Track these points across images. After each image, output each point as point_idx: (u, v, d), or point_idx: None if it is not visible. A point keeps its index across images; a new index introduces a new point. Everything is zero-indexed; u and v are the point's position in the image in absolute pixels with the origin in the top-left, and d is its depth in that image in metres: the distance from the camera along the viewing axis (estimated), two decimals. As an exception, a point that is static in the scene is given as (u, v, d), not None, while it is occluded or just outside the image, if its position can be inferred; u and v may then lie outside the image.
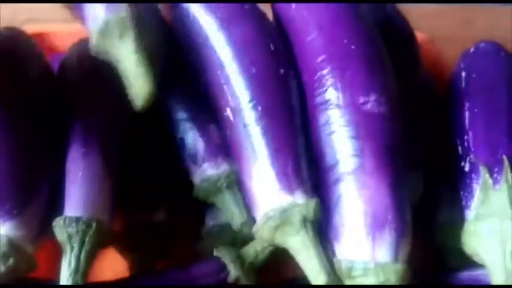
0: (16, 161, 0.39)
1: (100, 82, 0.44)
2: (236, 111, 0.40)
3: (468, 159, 0.43)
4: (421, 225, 0.43)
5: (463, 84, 0.48)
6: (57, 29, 0.57)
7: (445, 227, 0.45)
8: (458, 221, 0.43)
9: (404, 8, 0.53)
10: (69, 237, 0.38)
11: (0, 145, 0.39)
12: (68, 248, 0.38)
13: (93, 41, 0.38)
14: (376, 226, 0.36)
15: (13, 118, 0.40)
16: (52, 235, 0.39)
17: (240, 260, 0.39)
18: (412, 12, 0.53)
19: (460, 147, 0.44)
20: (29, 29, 0.51)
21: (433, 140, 0.47)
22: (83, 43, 0.47)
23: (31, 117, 0.41)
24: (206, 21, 0.42)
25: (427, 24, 0.64)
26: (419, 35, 0.57)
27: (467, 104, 0.46)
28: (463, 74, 0.49)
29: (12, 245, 0.37)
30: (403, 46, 0.50)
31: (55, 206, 0.40)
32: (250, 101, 0.40)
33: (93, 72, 0.44)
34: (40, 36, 0.55)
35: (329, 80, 0.40)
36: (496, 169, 0.41)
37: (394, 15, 0.52)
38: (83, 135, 0.41)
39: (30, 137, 0.41)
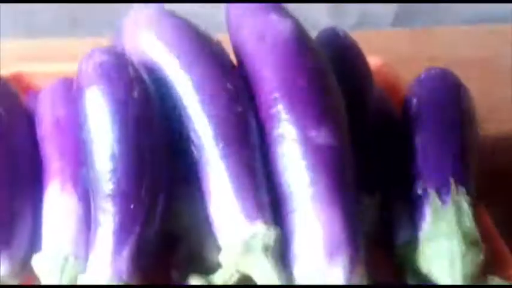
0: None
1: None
2: (199, 149, 0.43)
3: (420, 183, 0.46)
4: (383, 244, 0.47)
5: (415, 110, 0.51)
6: (34, 69, 0.61)
7: (403, 248, 0.47)
8: (413, 242, 0.46)
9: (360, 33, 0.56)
10: (49, 271, 0.40)
11: None
12: (47, 282, 0.40)
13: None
14: (329, 255, 0.39)
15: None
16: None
17: (211, 286, 0.42)
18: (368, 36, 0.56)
19: (413, 172, 0.47)
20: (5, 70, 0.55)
21: (391, 164, 0.50)
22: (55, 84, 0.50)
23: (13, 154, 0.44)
24: (166, 64, 0.45)
25: (382, 48, 0.68)
26: (376, 60, 0.60)
27: (418, 130, 0.49)
28: (414, 100, 0.52)
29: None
30: (355, 73, 0.53)
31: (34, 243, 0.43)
32: (212, 139, 0.42)
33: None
34: (18, 76, 0.59)
35: (283, 115, 0.42)
36: (444, 191, 0.44)
37: (345, 43, 0.55)
38: (60, 170, 0.44)
39: (12, 179, 0.43)
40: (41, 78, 0.59)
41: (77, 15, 0.77)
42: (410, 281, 0.46)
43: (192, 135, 0.43)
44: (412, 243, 0.46)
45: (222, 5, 0.51)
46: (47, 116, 0.47)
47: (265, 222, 0.41)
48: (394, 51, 0.75)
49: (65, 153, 0.45)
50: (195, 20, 0.48)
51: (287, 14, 0.48)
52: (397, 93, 0.59)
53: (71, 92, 0.48)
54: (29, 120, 0.49)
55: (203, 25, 0.48)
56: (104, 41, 0.57)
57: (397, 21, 0.83)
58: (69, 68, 0.58)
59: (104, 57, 0.43)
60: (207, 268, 0.45)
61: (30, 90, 0.58)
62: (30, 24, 0.77)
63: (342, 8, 0.81)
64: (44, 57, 0.72)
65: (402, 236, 0.48)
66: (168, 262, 0.46)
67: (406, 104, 0.53)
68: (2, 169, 0.43)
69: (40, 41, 0.74)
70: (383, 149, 0.50)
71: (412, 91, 0.54)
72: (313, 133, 0.42)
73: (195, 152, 0.43)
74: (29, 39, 0.75)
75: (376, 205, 0.47)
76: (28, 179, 0.45)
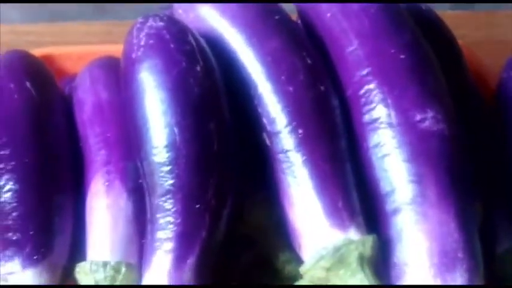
0: (35, 193, 0.36)
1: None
2: (273, 136, 0.35)
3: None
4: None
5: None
6: (64, 51, 0.55)
7: (504, 256, 0.40)
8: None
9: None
10: (97, 284, 0.34)
11: (20, 175, 0.36)
12: (95, 297, 0.33)
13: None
14: (445, 266, 0.32)
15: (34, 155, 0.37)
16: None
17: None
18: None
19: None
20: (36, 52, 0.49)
21: (489, 159, 0.42)
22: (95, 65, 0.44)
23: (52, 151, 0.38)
24: (231, 37, 0.38)
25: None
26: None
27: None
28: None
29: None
30: (447, 53, 0.45)
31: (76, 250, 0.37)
32: (288, 124, 0.35)
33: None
34: (48, 58, 0.52)
35: (377, 96, 0.35)
36: None
37: (432, 19, 0.48)
38: (106, 163, 0.37)
39: (49, 167, 0.37)
40: (74, 60, 0.53)
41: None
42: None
43: (264, 120, 0.36)
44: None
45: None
46: (88, 99, 0.41)
47: (359, 228, 0.33)
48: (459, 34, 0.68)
49: (110, 143, 0.38)
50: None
51: None
52: (481, 78, 0.52)
53: (114, 72, 0.41)
54: (65, 104, 0.42)
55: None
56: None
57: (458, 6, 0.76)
58: (105, 49, 0.52)
59: (160, 25, 0.35)
60: (273, 276, 0.39)
61: (63, 74, 0.52)
62: (55, 11, 0.70)
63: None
64: (70, 41, 0.66)
65: (503, 244, 0.41)
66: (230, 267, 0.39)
67: (501, 88, 0.45)
68: (37, 163, 0.37)
69: (66, 26, 0.67)
70: (481, 144, 0.42)
71: (507, 74, 0.46)
72: (417, 117, 0.34)
73: (267, 141, 0.36)
74: (55, 23, 0.68)
75: (480, 211, 0.39)
76: (67, 171, 0.38)
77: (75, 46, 0.57)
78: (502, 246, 0.41)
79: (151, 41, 0.35)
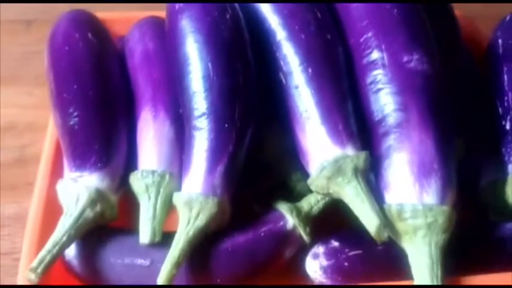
0: (98, 118, 0.43)
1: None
2: (288, 75, 0.43)
3: (508, 118, 0.46)
4: (464, 187, 0.46)
5: (500, 51, 0.50)
6: (114, 16, 0.61)
7: (488, 187, 0.47)
8: (500, 179, 0.45)
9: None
10: (146, 188, 0.41)
11: (85, 104, 0.43)
12: (145, 197, 0.41)
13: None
14: (422, 174, 0.39)
15: (96, 89, 0.45)
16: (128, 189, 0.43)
17: (296, 210, 0.42)
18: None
19: (500, 108, 0.47)
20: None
21: (473, 104, 0.49)
22: (143, 22, 0.52)
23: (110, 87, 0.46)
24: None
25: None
26: (456, 12, 0.59)
27: (505, 68, 0.48)
28: (500, 41, 0.51)
29: (99, 194, 0.41)
30: (444, 20, 0.52)
31: (130, 162, 0.44)
32: (300, 64, 0.43)
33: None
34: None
35: (374, 42, 0.42)
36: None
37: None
38: (153, 98, 0.45)
39: (108, 99, 0.45)
40: (123, 24, 0.60)
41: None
42: (494, 218, 0.46)
43: (281, 62, 0.44)
44: (498, 181, 0.46)
45: None
46: (137, 48, 0.49)
47: (355, 146, 0.41)
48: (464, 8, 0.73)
49: (155, 82, 0.46)
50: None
51: None
52: (477, 45, 0.58)
53: (158, 27, 0.49)
54: (119, 53, 0.50)
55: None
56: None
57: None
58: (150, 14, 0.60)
59: None
60: (288, 195, 0.46)
61: (114, 36, 0.59)
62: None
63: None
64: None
65: (487, 176, 0.47)
66: (252, 192, 0.46)
67: (491, 45, 0.52)
68: (99, 95, 0.44)
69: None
70: (467, 92, 0.49)
71: (496, 33, 0.53)
72: (405, 58, 0.41)
73: (283, 79, 0.43)
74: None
75: (462, 147, 0.46)
76: (122, 104, 0.46)
77: (124, 12, 0.64)
78: (484, 179, 0.47)
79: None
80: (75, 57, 0.46)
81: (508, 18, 0.53)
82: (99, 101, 0.44)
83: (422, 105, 0.41)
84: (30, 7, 0.74)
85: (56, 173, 0.45)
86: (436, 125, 0.40)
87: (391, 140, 0.41)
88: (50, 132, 0.47)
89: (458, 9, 0.58)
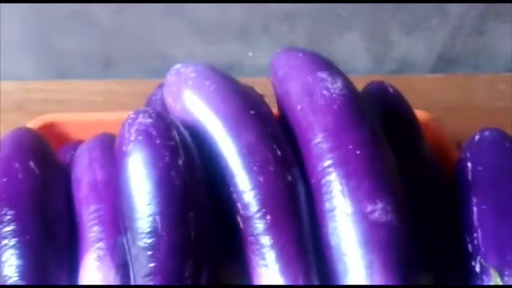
0: (36, 277, 0.40)
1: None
2: (246, 220, 0.40)
3: (478, 258, 0.43)
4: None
5: (470, 177, 0.48)
6: (67, 119, 0.60)
7: None
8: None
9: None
10: None
11: (22, 261, 0.40)
12: None
13: None
14: None
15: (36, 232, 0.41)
16: None
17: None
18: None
19: (469, 245, 0.44)
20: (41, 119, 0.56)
21: (442, 236, 0.47)
22: (94, 144, 0.49)
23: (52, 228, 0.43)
24: (212, 128, 0.43)
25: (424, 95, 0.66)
26: (422, 114, 0.58)
27: (474, 200, 0.46)
28: (469, 165, 0.49)
29: None
30: (405, 129, 0.51)
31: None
32: (258, 211, 0.40)
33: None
34: (52, 124, 0.58)
35: (336, 186, 0.40)
36: (506, 272, 0.41)
37: (395, 99, 0.53)
38: (94, 246, 0.42)
39: (48, 242, 0.42)
40: (75, 127, 0.58)
41: (109, 58, 0.76)
42: None
43: (239, 205, 0.41)
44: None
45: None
46: (84, 178, 0.45)
47: (316, 304, 0.38)
48: (436, 98, 0.73)
49: (103, 221, 0.43)
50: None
51: (337, 71, 0.46)
52: (444, 150, 0.57)
53: (110, 150, 0.46)
54: (65, 180, 0.47)
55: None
56: (137, 85, 0.56)
57: (437, 69, 0.81)
58: (104, 117, 0.58)
59: (148, 122, 0.40)
60: None
61: (64, 140, 0.57)
62: (61, 67, 0.76)
63: (382, 53, 0.79)
64: (75, 99, 0.71)
65: None
66: None
67: (459, 168, 0.50)
68: (37, 235, 0.41)
69: (70, 84, 0.73)
70: (435, 218, 0.47)
71: (465, 154, 0.51)
72: (368, 208, 0.39)
73: (240, 223, 0.41)
74: (60, 80, 0.74)
75: (430, 283, 0.44)
76: (65, 246, 0.43)
77: (77, 113, 0.62)
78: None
79: (139, 137, 0.40)
80: (12, 193, 0.42)
81: (476, 138, 0.51)
82: (38, 248, 0.40)
83: (386, 261, 0.38)
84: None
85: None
86: (402, 282, 0.38)
87: (354, 300, 0.38)
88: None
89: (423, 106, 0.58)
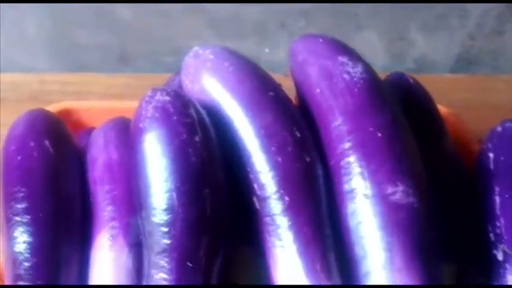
0: (48, 243, 0.40)
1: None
2: (262, 201, 0.39)
3: (501, 247, 0.42)
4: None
5: (492, 167, 0.47)
6: (83, 106, 0.59)
7: None
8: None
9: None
10: None
11: (35, 227, 0.40)
12: None
13: None
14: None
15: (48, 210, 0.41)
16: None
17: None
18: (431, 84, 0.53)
19: (491, 234, 0.43)
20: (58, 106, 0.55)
21: (465, 227, 0.45)
22: (109, 126, 0.48)
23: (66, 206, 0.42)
24: (230, 109, 0.42)
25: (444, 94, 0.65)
26: (442, 109, 0.57)
27: (497, 189, 0.45)
28: (491, 155, 0.48)
29: None
30: (428, 122, 0.49)
31: None
32: (276, 192, 0.39)
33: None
34: (67, 112, 0.57)
35: (355, 168, 0.39)
36: (530, 257, 0.40)
37: (416, 90, 0.52)
38: (108, 225, 0.41)
39: (61, 220, 0.41)
40: (91, 115, 0.58)
41: (126, 53, 0.76)
42: None
43: (255, 185, 0.40)
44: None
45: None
46: (100, 158, 0.45)
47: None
48: (455, 97, 0.72)
49: (116, 200, 0.42)
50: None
51: (357, 57, 0.45)
52: (465, 144, 0.55)
53: (125, 133, 0.45)
54: (79, 161, 0.46)
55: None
56: (153, 79, 0.55)
57: (456, 68, 0.80)
58: (119, 105, 0.57)
59: (166, 99, 0.40)
60: None
61: (80, 128, 0.56)
62: (77, 60, 0.76)
63: (400, 51, 0.78)
64: (91, 92, 0.71)
65: None
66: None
67: (481, 158, 0.49)
68: (50, 213, 0.40)
69: (87, 76, 0.73)
70: (457, 210, 0.46)
71: (487, 145, 0.49)
72: (389, 190, 0.38)
73: (256, 204, 0.40)
74: (76, 73, 0.74)
75: (453, 274, 0.42)
76: (77, 225, 0.42)
77: (94, 101, 0.62)
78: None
79: (156, 114, 0.39)
80: (26, 171, 0.42)
81: (499, 128, 0.50)
82: (50, 225, 0.40)
83: (407, 244, 0.37)
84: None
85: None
86: (423, 267, 0.37)
87: (373, 284, 0.37)
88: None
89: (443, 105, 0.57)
